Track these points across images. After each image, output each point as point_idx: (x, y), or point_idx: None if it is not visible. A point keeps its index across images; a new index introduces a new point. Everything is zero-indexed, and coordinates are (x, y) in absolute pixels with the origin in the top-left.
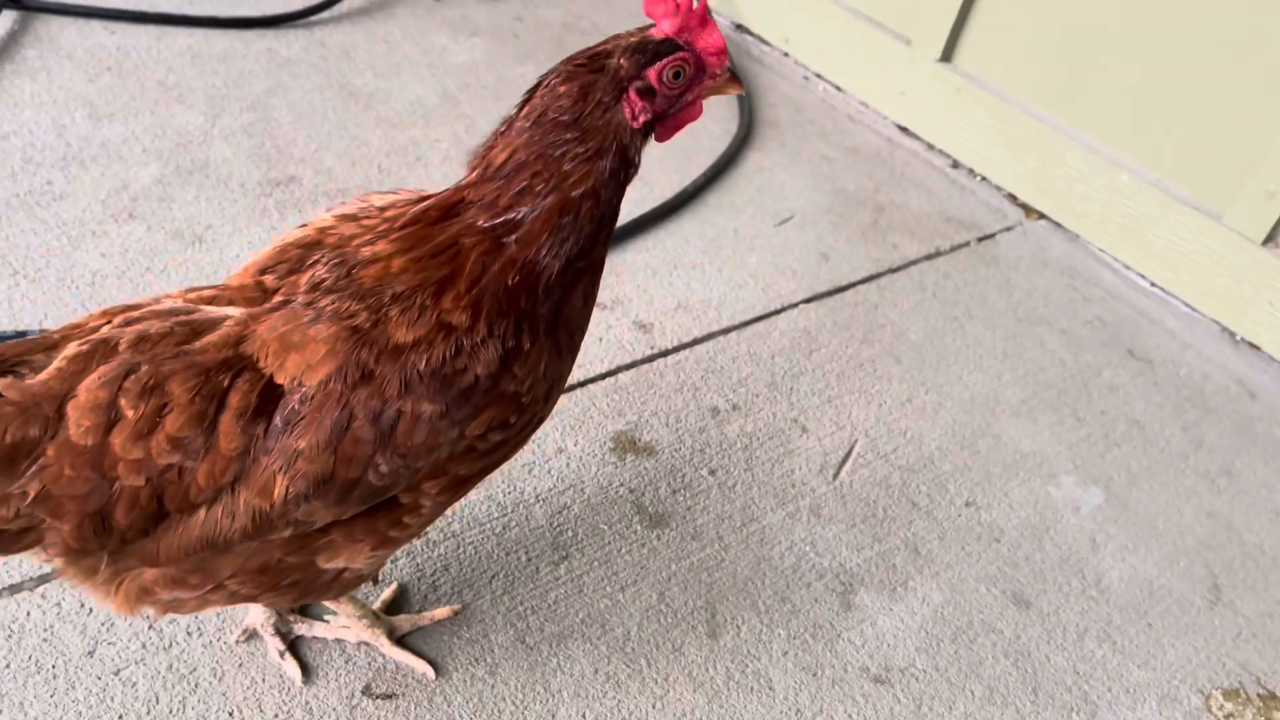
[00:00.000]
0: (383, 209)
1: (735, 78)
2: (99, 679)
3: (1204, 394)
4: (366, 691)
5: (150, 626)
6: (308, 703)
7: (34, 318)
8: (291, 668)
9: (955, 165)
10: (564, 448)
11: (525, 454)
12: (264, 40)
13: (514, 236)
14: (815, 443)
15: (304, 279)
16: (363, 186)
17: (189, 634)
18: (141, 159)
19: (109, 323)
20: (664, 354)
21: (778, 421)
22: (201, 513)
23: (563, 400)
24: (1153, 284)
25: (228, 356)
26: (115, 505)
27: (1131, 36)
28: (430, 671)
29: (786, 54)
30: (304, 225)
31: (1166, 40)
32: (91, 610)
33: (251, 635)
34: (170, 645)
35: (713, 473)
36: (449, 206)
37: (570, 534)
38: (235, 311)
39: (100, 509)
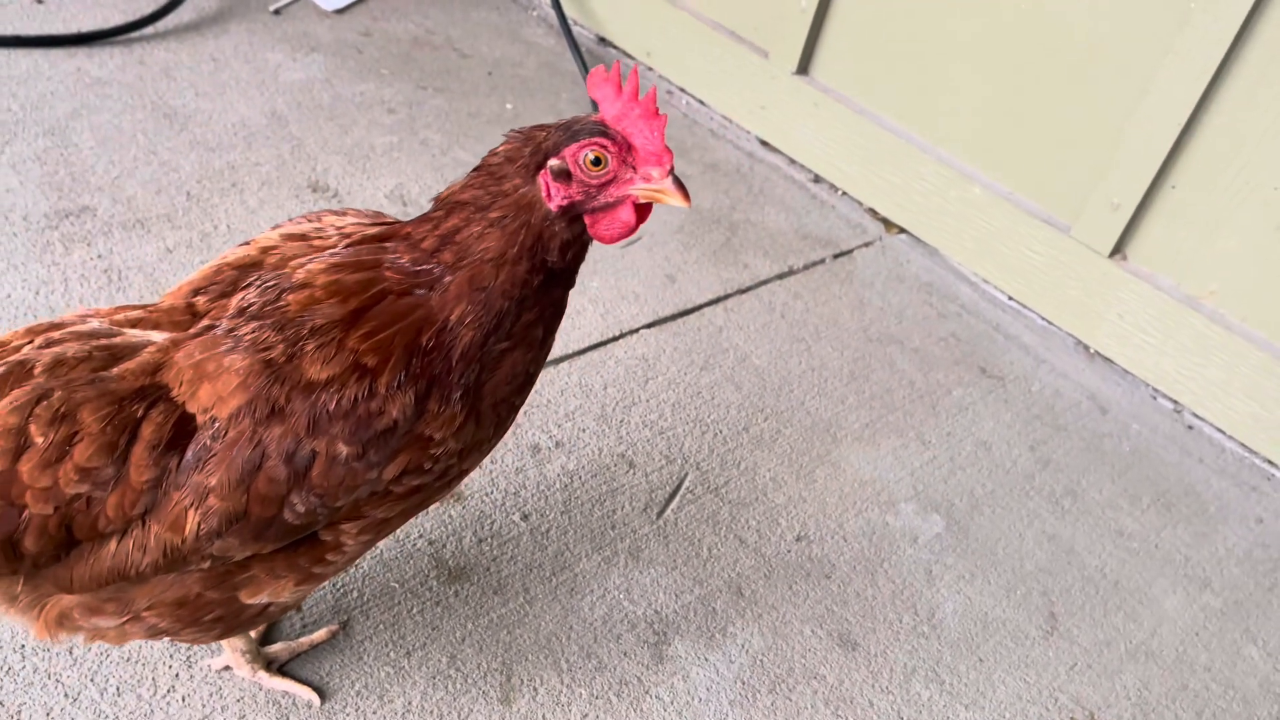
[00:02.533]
0: (340, 228)
1: (680, 186)
2: None
3: (1055, 411)
4: None
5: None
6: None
7: None
8: (304, 690)
9: (816, 180)
10: None
11: None
12: (75, 60)
13: (431, 291)
14: (642, 479)
15: (233, 302)
16: (165, 216)
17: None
18: None
19: (30, 342)
20: None
21: (603, 457)
22: (112, 544)
23: None
24: (1010, 298)
25: (143, 385)
26: (25, 533)
27: (980, 51)
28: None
29: (650, 68)
30: (247, 243)
31: (1013, 55)
32: None
33: (226, 668)
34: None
35: (525, 518)
36: (390, 235)
37: (355, 594)
38: (159, 336)
39: (9, 536)
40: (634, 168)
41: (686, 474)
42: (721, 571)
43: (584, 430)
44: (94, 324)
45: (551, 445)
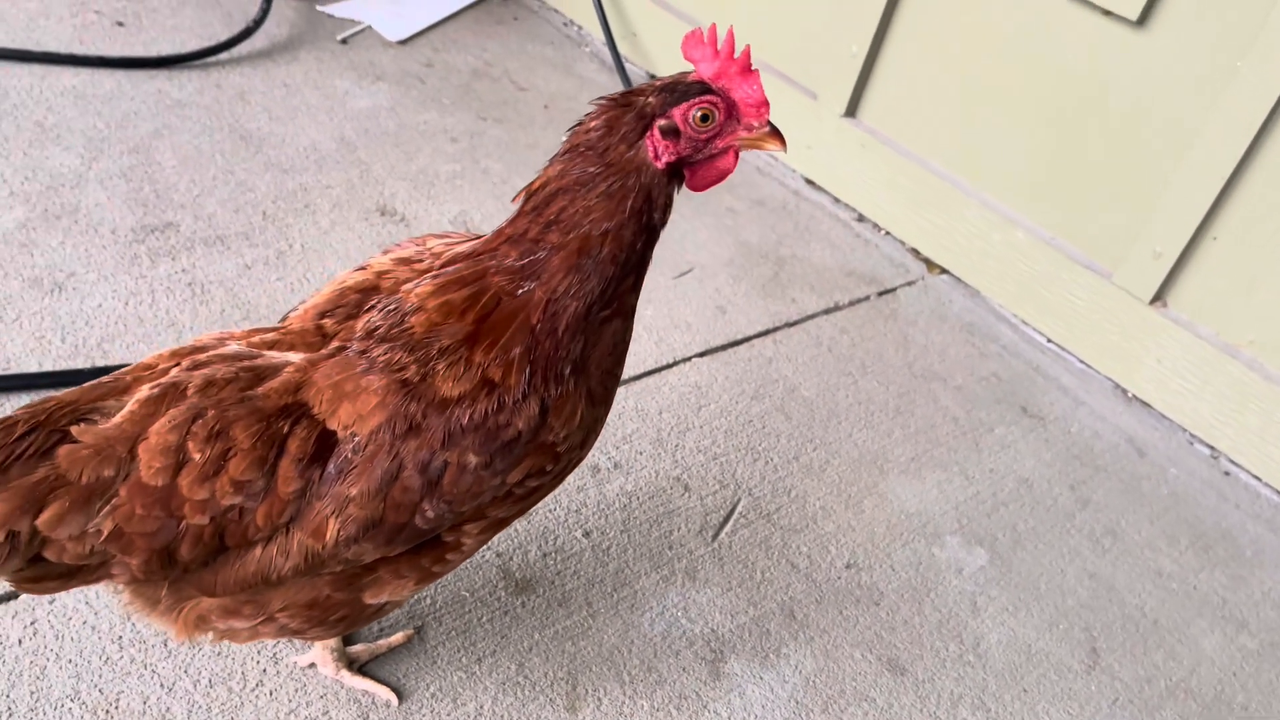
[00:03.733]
0: (437, 253)
1: (777, 133)
2: None
3: (1094, 452)
4: None
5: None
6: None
7: None
8: (383, 690)
9: (860, 219)
10: None
11: None
12: (156, 81)
13: (537, 279)
14: (697, 502)
15: (360, 324)
16: (243, 234)
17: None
18: (6, 202)
19: (178, 365)
20: None
21: (660, 480)
22: (258, 550)
23: None
24: (1049, 340)
25: (287, 403)
26: (180, 542)
27: (1027, 99)
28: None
29: None
30: (363, 268)
31: (1061, 104)
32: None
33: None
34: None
35: (587, 534)
36: (485, 246)
37: (428, 602)
38: (295, 357)
39: (167, 545)
40: (737, 119)
41: (739, 499)
42: (774, 594)
43: (641, 453)
44: (234, 347)
45: (610, 466)
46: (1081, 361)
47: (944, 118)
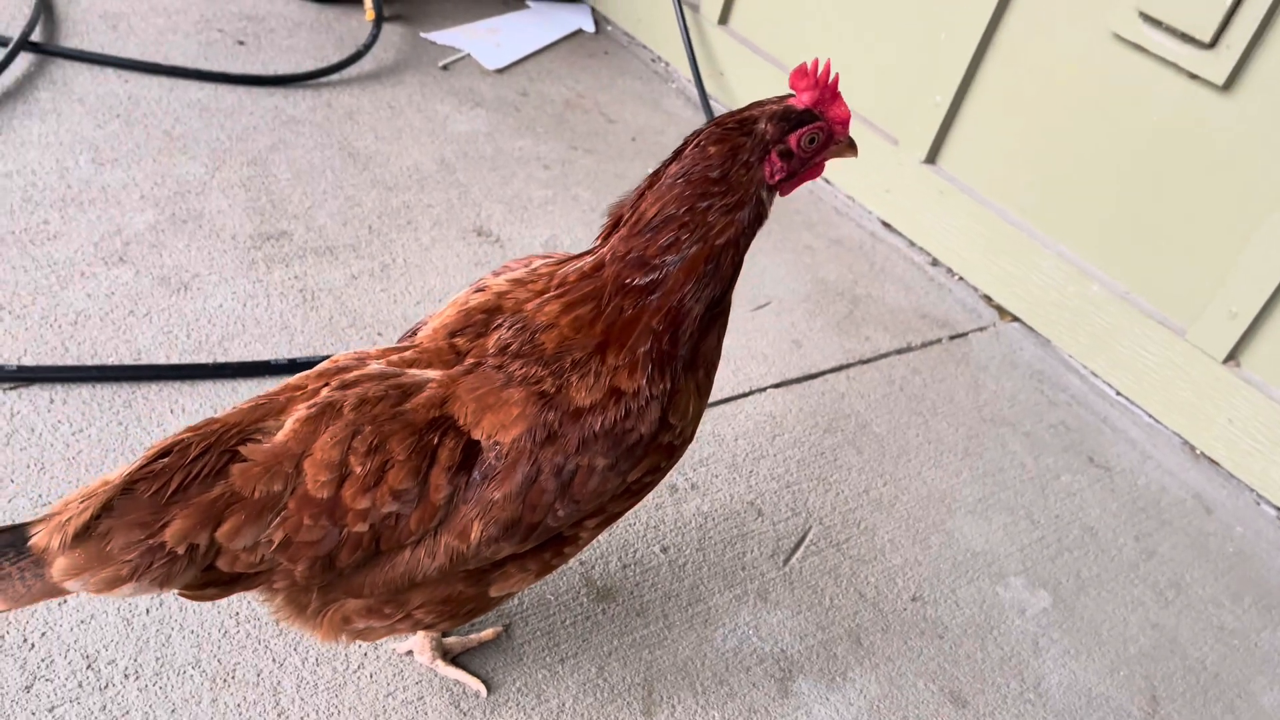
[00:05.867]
0: (544, 273)
1: (853, 144)
2: (33, 715)
3: (1160, 505)
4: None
5: (89, 666)
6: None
7: (13, 353)
8: (474, 681)
9: (934, 263)
10: None
11: None
12: (273, 98)
13: (659, 291)
14: (770, 527)
15: (491, 342)
16: (350, 246)
17: (125, 676)
18: (138, 205)
19: (327, 385)
20: None
21: (734, 503)
22: (406, 552)
23: None
24: (1118, 393)
25: (435, 416)
26: (341, 548)
27: (1108, 152)
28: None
29: None
30: (481, 290)
31: (1141, 158)
32: (33, 645)
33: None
34: (106, 686)
35: (665, 550)
36: (601, 264)
37: (516, 603)
38: (435, 374)
39: (329, 552)
40: (830, 136)
41: (810, 527)
42: (842, 620)
43: (716, 476)
44: (377, 366)
45: (688, 487)
46: (1150, 416)
47: (1023, 169)
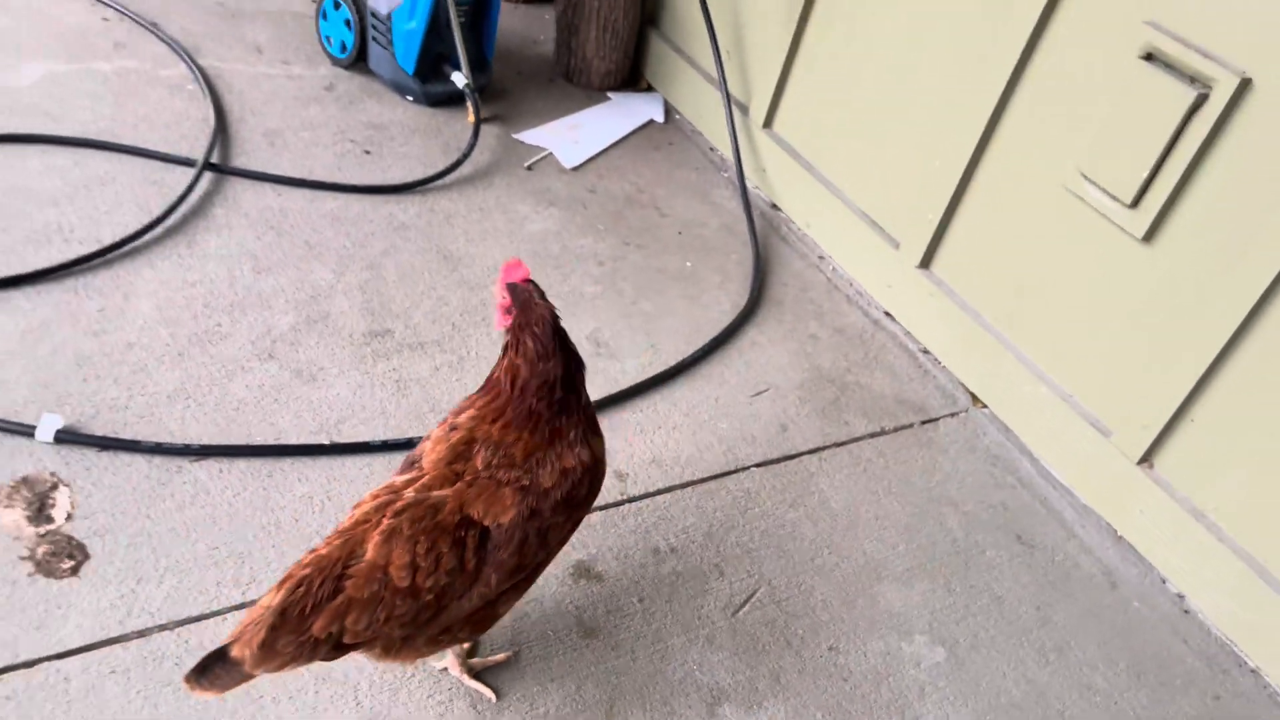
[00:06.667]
0: (477, 415)
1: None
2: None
3: (1069, 580)
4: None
5: None
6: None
7: (195, 434)
8: (488, 690)
9: (925, 352)
10: None
11: None
12: (388, 205)
13: (529, 394)
14: (727, 585)
15: (478, 462)
16: (437, 341)
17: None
18: (284, 308)
19: (384, 516)
20: (631, 500)
21: (703, 565)
22: (455, 604)
23: None
24: (1061, 479)
25: (459, 519)
26: (420, 613)
27: (1062, 280)
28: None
29: (807, 233)
30: (455, 428)
31: (1085, 288)
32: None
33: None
34: None
35: (640, 600)
36: (507, 398)
37: (524, 634)
38: (448, 492)
39: (413, 617)
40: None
41: (760, 587)
42: (768, 662)
43: (693, 542)
44: (410, 494)
45: (668, 550)
46: (1083, 501)
47: (996, 283)
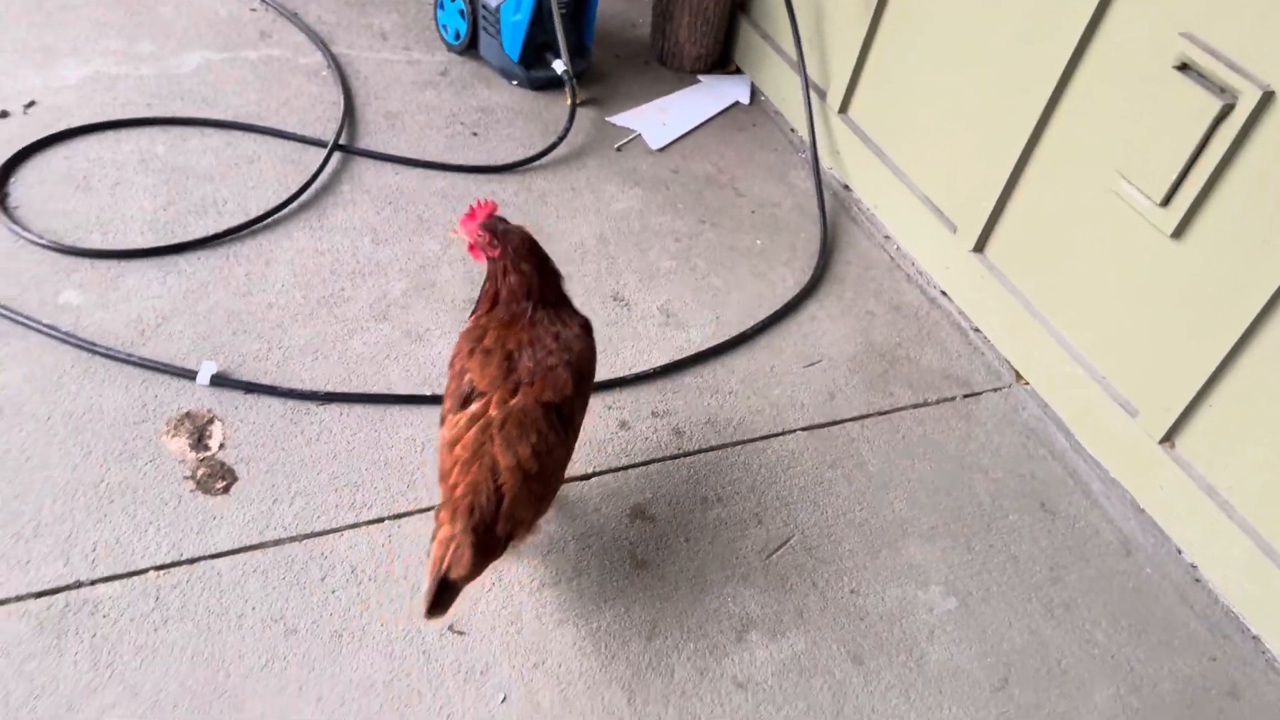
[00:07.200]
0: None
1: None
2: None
3: (1086, 546)
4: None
5: (405, 575)
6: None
7: (323, 382)
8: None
9: (976, 330)
10: (599, 509)
11: (570, 514)
12: (491, 184)
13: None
14: (764, 532)
15: (526, 363)
16: None
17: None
18: (397, 276)
19: (493, 432)
20: (686, 455)
21: (744, 514)
22: (560, 469)
23: (604, 477)
24: (1091, 453)
25: (542, 406)
26: (549, 484)
27: (1102, 269)
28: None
29: (875, 214)
30: (488, 353)
31: (1122, 278)
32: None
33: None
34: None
35: (686, 540)
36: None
37: (585, 563)
38: (520, 396)
39: (545, 491)
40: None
41: (794, 535)
42: (795, 600)
43: (737, 494)
44: (496, 412)
45: (715, 499)
46: (1111, 475)
47: (1044, 268)
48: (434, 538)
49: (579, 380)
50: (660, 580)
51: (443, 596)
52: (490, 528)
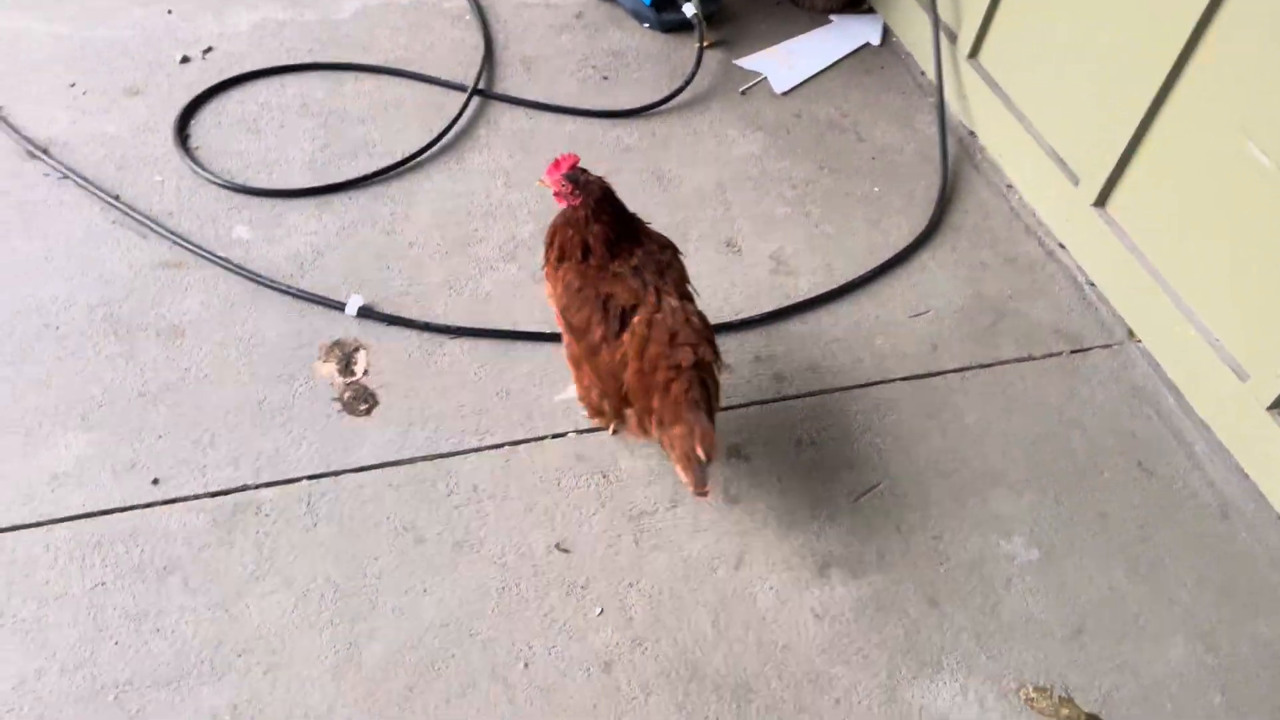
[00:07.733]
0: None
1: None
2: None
3: (1181, 507)
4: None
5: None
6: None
7: (455, 316)
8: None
9: (1091, 285)
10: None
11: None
12: (617, 129)
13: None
14: (855, 476)
15: (667, 286)
16: None
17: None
18: (525, 219)
19: (681, 337)
20: (785, 399)
21: (836, 459)
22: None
23: None
24: (1199, 414)
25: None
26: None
27: (1223, 234)
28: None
29: (999, 163)
30: (610, 297)
31: (1242, 247)
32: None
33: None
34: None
35: (779, 480)
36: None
37: (681, 495)
38: (666, 309)
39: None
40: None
41: (882, 481)
42: (877, 542)
43: (831, 439)
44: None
45: (809, 443)
46: (1218, 438)
47: (1163, 226)
48: (665, 441)
49: (684, 271)
50: (750, 515)
51: (702, 474)
52: (710, 412)
